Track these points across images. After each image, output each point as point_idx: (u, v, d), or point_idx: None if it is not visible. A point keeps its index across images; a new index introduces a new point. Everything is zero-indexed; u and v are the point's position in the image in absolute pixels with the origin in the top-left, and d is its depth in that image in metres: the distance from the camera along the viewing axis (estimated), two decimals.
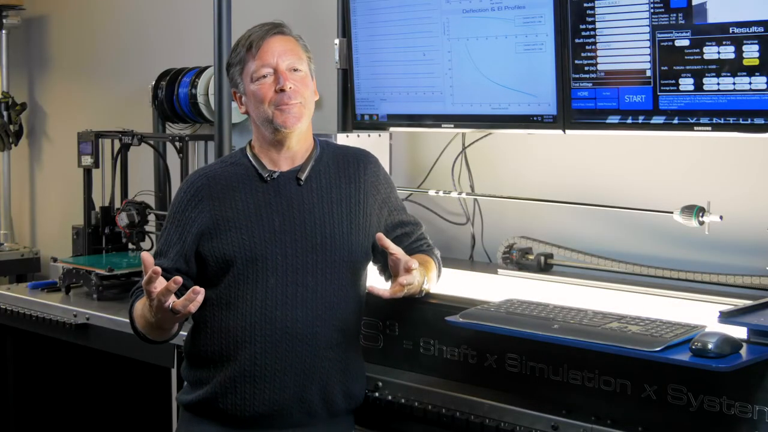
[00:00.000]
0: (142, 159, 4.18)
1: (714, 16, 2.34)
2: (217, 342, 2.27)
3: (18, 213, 5.31)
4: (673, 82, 2.44)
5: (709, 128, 2.41)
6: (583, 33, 2.60)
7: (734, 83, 2.33)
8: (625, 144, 2.85)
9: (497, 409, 2.22)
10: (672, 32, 2.42)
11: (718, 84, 2.36)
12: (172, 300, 2.08)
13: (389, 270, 2.34)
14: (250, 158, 2.36)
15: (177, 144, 3.72)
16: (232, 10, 3.11)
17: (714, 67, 2.36)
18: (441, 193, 3.15)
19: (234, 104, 3.04)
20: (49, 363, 3.78)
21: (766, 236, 2.51)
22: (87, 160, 3.87)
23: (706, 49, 2.36)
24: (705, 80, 2.38)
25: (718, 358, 1.85)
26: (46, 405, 3.82)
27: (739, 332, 1.95)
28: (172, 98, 3.98)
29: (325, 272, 2.28)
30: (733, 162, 2.66)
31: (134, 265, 3.57)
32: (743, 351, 1.90)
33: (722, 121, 2.38)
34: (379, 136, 3.21)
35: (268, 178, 2.32)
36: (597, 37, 2.57)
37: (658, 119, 2.50)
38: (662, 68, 2.45)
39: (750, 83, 2.31)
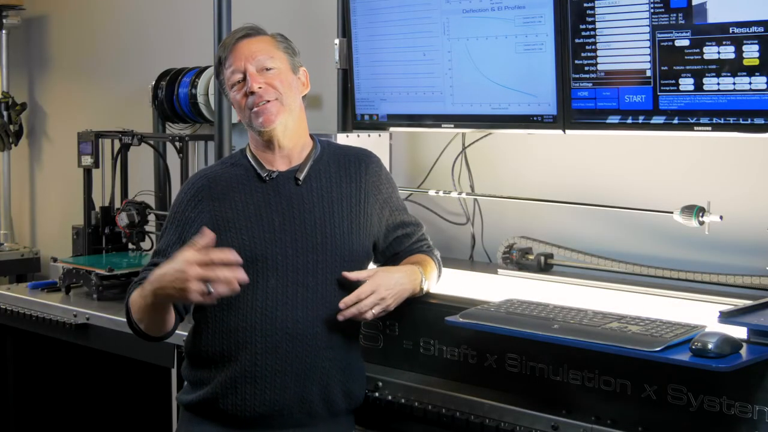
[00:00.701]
0: (142, 159, 4.18)
1: (714, 16, 2.34)
2: (218, 342, 2.27)
3: (18, 213, 5.31)
4: (673, 82, 2.44)
5: (709, 128, 2.41)
6: (583, 33, 2.60)
7: (734, 83, 2.33)
8: (625, 144, 2.85)
9: (497, 409, 2.22)
10: (672, 32, 2.42)
11: (718, 84, 2.36)
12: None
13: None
14: (250, 159, 2.36)
15: (177, 144, 3.72)
16: (232, 10, 3.11)
17: (714, 67, 2.36)
18: (441, 193, 3.15)
19: None
20: (49, 363, 3.78)
21: (766, 236, 2.51)
22: (87, 160, 3.87)
23: (706, 49, 2.36)
24: (705, 80, 2.38)
25: (718, 358, 1.85)
26: (46, 405, 3.82)
27: (739, 332, 1.95)
28: (172, 98, 3.98)
29: (325, 272, 2.28)
30: (733, 162, 2.66)
31: (134, 265, 3.57)
32: (743, 351, 1.90)
33: (722, 121, 2.38)
34: (379, 136, 3.21)
35: (267, 178, 2.32)
36: (597, 37, 2.57)
37: (658, 119, 2.50)
38: (662, 68, 2.45)
39: (750, 83, 2.31)
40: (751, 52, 2.29)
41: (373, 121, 3.18)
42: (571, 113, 2.67)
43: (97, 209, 3.87)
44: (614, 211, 2.79)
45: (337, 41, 3.24)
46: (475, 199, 3.21)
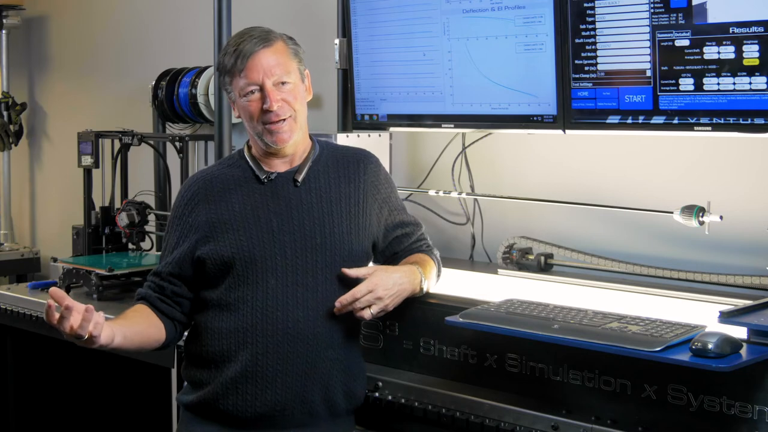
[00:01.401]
0: (142, 159, 4.19)
1: (714, 16, 2.34)
2: (218, 343, 2.27)
3: (18, 213, 5.31)
4: (673, 82, 2.44)
5: (709, 128, 2.41)
6: (583, 33, 2.60)
7: (734, 83, 2.33)
8: (625, 144, 2.85)
9: (497, 409, 2.22)
10: (672, 32, 2.42)
11: (718, 84, 2.36)
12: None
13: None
14: (248, 159, 2.36)
15: (177, 144, 3.72)
16: (232, 10, 3.11)
17: (714, 67, 2.36)
18: (441, 193, 3.15)
19: None
20: (49, 363, 3.78)
21: (766, 236, 2.50)
22: (87, 160, 3.87)
23: (706, 49, 2.36)
24: (705, 80, 2.38)
25: (718, 358, 1.85)
26: (46, 405, 3.82)
27: (739, 332, 1.95)
28: (172, 98, 3.98)
29: (325, 272, 2.28)
30: (733, 162, 2.66)
31: (134, 265, 3.57)
32: (743, 351, 1.90)
33: (722, 121, 2.38)
34: (379, 136, 3.20)
35: (265, 180, 2.32)
36: (597, 37, 2.57)
37: (658, 119, 2.50)
38: (662, 68, 2.45)
39: (750, 83, 2.31)
40: (751, 52, 2.29)
41: (373, 121, 3.18)
42: (571, 113, 2.67)
43: (97, 209, 3.87)
44: (614, 211, 2.79)
45: (337, 41, 3.24)
46: (475, 199, 3.21)
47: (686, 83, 2.42)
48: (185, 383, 2.38)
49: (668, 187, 2.76)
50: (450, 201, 3.29)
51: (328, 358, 2.27)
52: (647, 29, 2.46)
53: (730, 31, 2.32)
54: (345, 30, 3.20)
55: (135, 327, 2.26)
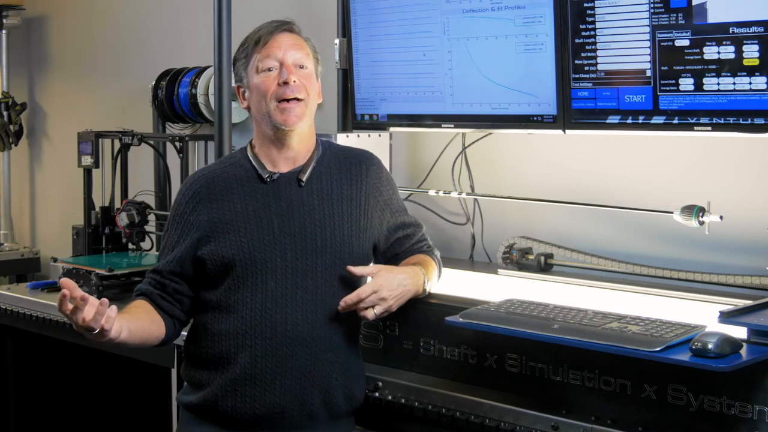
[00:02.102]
0: (142, 159, 4.19)
1: (714, 16, 2.34)
2: (217, 344, 2.27)
3: (18, 213, 5.31)
4: (673, 82, 2.44)
5: (709, 128, 2.41)
6: (583, 33, 2.60)
7: (734, 83, 2.33)
8: (625, 144, 2.85)
9: (497, 409, 2.22)
10: (672, 32, 2.42)
11: (718, 84, 2.36)
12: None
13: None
14: (251, 158, 2.35)
15: (177, 144, 3.72)
16: (232, 10, 3.11)
17: (714, 67, 2.36)
18: (441, 193, 3.15)
19: (234, 104, 3.05)
20: (49, 363, 3.78)
21: (766, 236, 2.50)
22: (87, 160, 3.87)
23: (706, 49, 2.36)
24: (705, 80, 2.38)
25: (718, 358, 1.85)
26: (46, 405, 3.82)
27: (739, 332, 1.95)
28: (172, 98, 3.98)
29: (325, 275, 2.28)
30: (733, 162, 2.66)
31: (134, 265, 3.57)
32: (743, 351, 1.90)
33: (722, 121, 2.38)
34: (379, 136, 3.20)
35: (268, 180, 2.32)
36: (597, 37, 2.57)
37: (658, 119, 2.50)
38: (662, 68, 2.45)
39: (750, 83, 2.31)
40: (751, 52, 2.29)
41: (373, 121, 3.18)
42: (571, 113, 2.67)
43: (97, 209, 3.87)
44: (614, 211, 2.79)
45: (337, 41, 3.24)
46: (475, 199, 3.21)
47: (686, 83, 2.42)
48: (185, 383, 2.38)
49: (668, 187, 2.76)
50: (450, 201, 3.29)
51: (328, 360, 2.27)
52: (647, 29, 2.46)
53: (730, 31, 2.31)
54: (345, 30, 3.20)
55: (139, 323, 2.25)
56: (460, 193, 3.12)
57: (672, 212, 2.52)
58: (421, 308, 2.39)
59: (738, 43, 2.31)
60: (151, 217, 3.76)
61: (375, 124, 3.18)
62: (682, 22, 2.39)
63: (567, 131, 2.71)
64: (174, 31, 4.40)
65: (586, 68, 2.61)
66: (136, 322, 2.24)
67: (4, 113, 5.06)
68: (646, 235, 2.81)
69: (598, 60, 2.58)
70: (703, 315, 2.15)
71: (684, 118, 2.45)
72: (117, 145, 3.90)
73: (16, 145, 5.12)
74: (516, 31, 2.75)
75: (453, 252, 3.25)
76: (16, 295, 3.55)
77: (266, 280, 2.24)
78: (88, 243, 3.84)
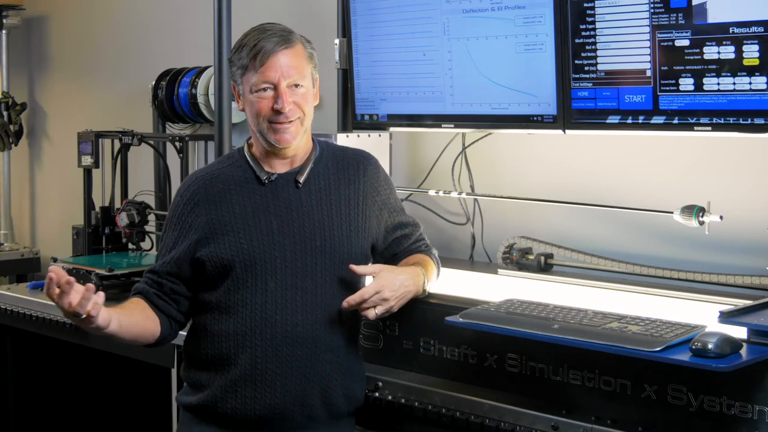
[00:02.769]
0: (142, 159, 4.18)
1: (714, 16, 2.34)
2: (217, 345, 2.27)
3: (18, 213, 5.31)
4: (673, 82, 2.44)
5: (709, 128, 2.41)
6: (583, 33, 2.60)
7: (734, 83, 2.33)
8: (625, 144, 2.85)
9: (497, 409, 2.22)
10: (672, 32, 2.42)
11: (718, 84, 2.36)
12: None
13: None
14: (248, 159, 2.35)
15: (177, 144, 3.72)
16: (232, 10, 3.11)
17: (714, 67, 2.36)
18: (441, 193, 3.15)
19: (234, 104, 3.05)
20: (49, 363, 3.78)
21: (766, 236, 2.50)
22: (87, 160, 3.87)
23: (706, 49, 2.36)
24: (705, 80, 2.38)
25: (718, 358, 1.85)
26: (46, 405, 3.82)
27: (739, 332, 1.95)
28: (172, 98, 3.98)
29: (324, 275, 2.28)
30: (733, 162, 2.66)
31: (134, 265, 3.57)
32: (743, 351, 1.90)
33: (722, 121, 2.38)
34: (379, 136, 3.20)
35: (266, 181, 2.32)
36: (597, 37, 2.57)
37: (658, 119, 2.50)
38: (662, 68, 2.45)
39: (750, 83, 2.31)
40: (751, 52, 2.29)
41: (373, 121, 3.18)
42: (571, 113, 2.67)
43: (97, 209, 3.87)
44: (614, 211, 2.79)
45: (337, 41, 3.24)
46: (475, 199, 3.21)
47: (686, 83, 2.42)
48: (185, 384, 2.38)
49: (668, 187, 2.76)
50: (450, 201, 3.29)
51: (327, 361, 2.27)
52: (647, 29, 2.46)
53: (730, 31, 2.31)
54: (345, 30, 3.20)
55: (131, 318, 2.25)
56: (460, 193, 3.12)
57: (672, 212, 2.52)
58: (421, 308, 2.39)
59: (738, 43, 2.31)
60: (151, 217, 3.76)
61: (375, 124, 3.18)
62: (682, 22, 2.39)
63: (567, 131, 2.71)
64: (174, 31, 4.40)
65: (586, 68, 2.61)
66: (128, 317, 2.23)
67: (4, 113, 5.06)
68: (646, 235, 2.81)
69: (598, 60, 2.58)
70: (703, 315, 2.15)
71: (684, 118, 2.45)
72: (117, 145, 3.90)
73: (16, 145, 5.12)
74: (516, 31, 2.75)
75: (453, 252, 3.25)
76: (16, 295, 3.55)
77: (266, 281, 2.24)
78: (88, 243, 3.84)
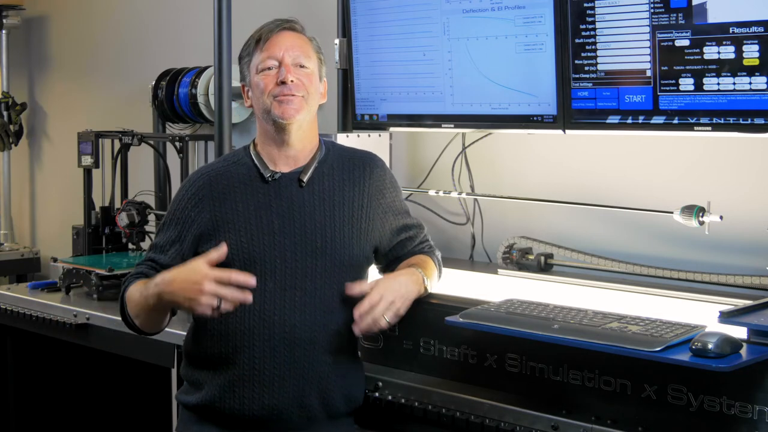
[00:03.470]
0: (142, 159, 4.18)
1: (714, 16, 2.34)
2: (216, 345, 2.27)
3: (18, 213, 5.31)
4: (673, 82, 2.44)
5: (709, 128, 2.41)
6: (583, 33, 2.60)
7: (734, 83, 2.33)
8: (625, 144, 2.85)
9: (497, 409, 2.21)
10: (672, 32, 2.42)
11: (718, 84, 2.36)
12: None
13: (392, 270, 2.37)
14: (253, 157, 2.35)
15: (177, 144, 3.72)
16: (232, 10, 3.11)
17: (714, 67, 2.36)
18: (441, 193, 3.15)
19: (234, 104, 3.06)
20: (49, 363, 3.78)
21: (766, 236, 2.50)
22: (87, 160, 3.87)
23: (706, 49, 2.36)
24: (705, 80, 2.38)
25: (718, 358, 1.85)
26: (46, 405, 3.82)
27: (739, 332, 1.95)
28: (172, 98, 3.98)
29: (324, 277, 2.27)
30: (733, 162, 2.66)
31: (134, 265, 3.57)
32: (743, 351, 1.90)
33: (722, 121, 2.38)
34: (379, 136, 3.20)
35: (270, 179, 2.32)
36: (597, 37, 2.57)
37: (658, 119, 2.50)
38: (662, 68, 2.45)
39: (750, 83, 2.31)
40: (751, 52, 2.29)
41: (373, 121, 3.18)
42: (571, 113, 2.67)
43: (97, 209, 3.87)
44: (614, 211, 2.79)
45: (337, 41, 3.24)
46: (475, 199, 3.21)
47: (686, 83, 2.42)
48: (185, 382, 2.38)
49: (668, 187, 2.76)
50: (450, 201, 3.29)
51: (326, 362, 2.27)
52: (647, 29, 2.46)
53: (730, 31, 2.31)
54: (345, 30, 3.20)
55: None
56: (460, 193, 3.12)
57: (672, 212, 2.52)
58: (421, 308, 2.39)
59: (738, 43, 2.31)
60: (151, 217, 3.76)
61: (375, 124, 3.18)
62: (682, 22, 2.39)
63: (567, 131, 2.71)
64: (174, 31, 4.40)
65: (586, 68, 2.61)
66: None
67: (4, 113, 5.06)
68: (646, 235, 2.81)
69: (598, 60, 2.58)
70: (703, 315, 2.15)
71: (684, 118, 2.45)
72: (117, 145, 3.90)
73: (16, 145, 5.12)
74: (516, 31, 2.75)
75: (453, 252, 3.25)
76: (16, 295, 3.55)
77: (265, 281, 2.24)
78: (88, 243, 3.84)
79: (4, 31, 5.18)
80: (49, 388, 3.82)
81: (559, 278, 2.75)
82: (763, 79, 2.29)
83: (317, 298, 2.26)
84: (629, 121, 2.55)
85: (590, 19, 2.58)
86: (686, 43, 2.40)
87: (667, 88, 2.46)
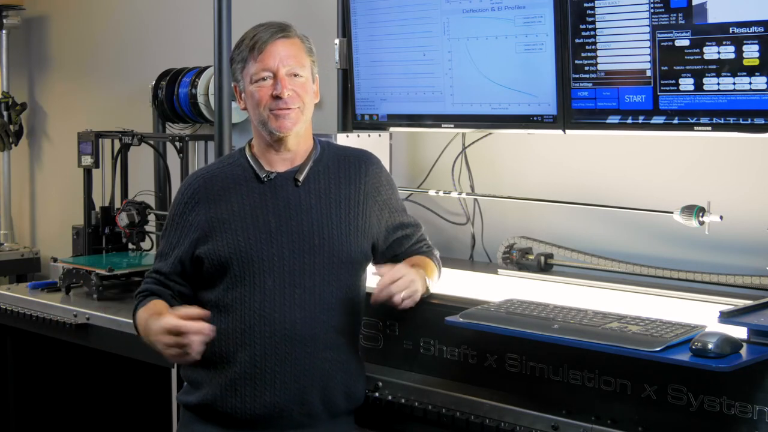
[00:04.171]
0: (142, 159, 4.18)
1: (714, 16, 2.34)
2: (216, 344, 2.26)
3: (18, 213, 5.31)
4: (673, 82, 2.44)
5: (709, 128, 2.41)
6: (583, 33, 2.60)
7: (734, 83, 2.34)
8: (625, 144, 2.85)
9: (497, 409, 2.22)
10: (672, 32, 2.42)
11: (718, 84, 2.36)
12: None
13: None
14: (249, 158, 2.36)
15: (177, 144, 3.72)
16: (232, 10, 3.11)
17: (714, 67, 2.36)
18: (441, 193, 3.15)
19: (234, 104, 3.05)
20: (49, 363, 3.78)
21: (766, 236, 2.50)
22: (87, 160, 3.87)
23: (706, 49, 2.36)
24: (705, 80, 2.38)
25: (718, 358, 1.85)
26: (46, 405, 3.82)
27: (739, 332, 1.95)
28: (172, 98, 3.98)
29: (323, 274, 2.28)
30: (733, 162, 2.66)
31: (134, 265, 3.57)
32: (743, 351, 1.90)
33: (722, 121, 2.38)
34: (379, 136, 3.20)
35: (265, 179, 2.32)
36: (597, 37, 2.57)
37: (658, 119, 2.50)
38: (662, 68, 2.45)
39: (750, 83, 2.31)
40: (751, 52, 2.29)
41: (373, 121, 3.18)
42: (571, 113, 2.67)
43: (97, 209, 3.87)
44: (614, 211, 2.79)
45: (337, 41, 3.24)
46: (475, 199, 3.21)
47: (686, 83, 2.42)
48: (185, 383, 2.38)
49: (668, 187, 2.76)
50: (450, 201, 3.29)
51: (327, 359, 2.27)
52: (647, 29, 2.46)
53: (730, 31, 2.32)
54: (345, 30, 3.20)
55: None
56: (460, 193, 3.12)
57: (672, 212, 2.52)
58: (421, 308, 2.39)
59: (738, 43, 2.31)
60: (151, 217, 3.76)
61: (375, 124, 3.18)
62: (682, 22, 2.39)
63: (567, 131, 2.71)
64: (174, 31, 4.40)
65: (586, 68, 2.61)
66: None
67: (4, 113, 5.06)
68: (646, 235, 2.81)
69: (598, 60, 2.58)
70: (703, 315, 2.15)
71: (684, 118, 2.45)
72: (117, 145, 3.89)
73: (16, 145, 5.12)
74: (516, 31, 2.75)
75: (453, 252, 3.25)
76: (16, 295, 3.55)
77: (264, 279, 2.24)
78: (88, 243, 3.84)
79: (4, 31, 5.18)
80: (49, 388, 3.82)
81: (559, 278, 2.75)
82: (763, 79, 2.29)
83: (316, 295, 2.26)
84: (629, 121, 2.56)
85: (590, 19, 2.58)
86: (686, 43, 2.40)
87: (667, 88, 2.46)
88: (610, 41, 2.55)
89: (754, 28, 2.28)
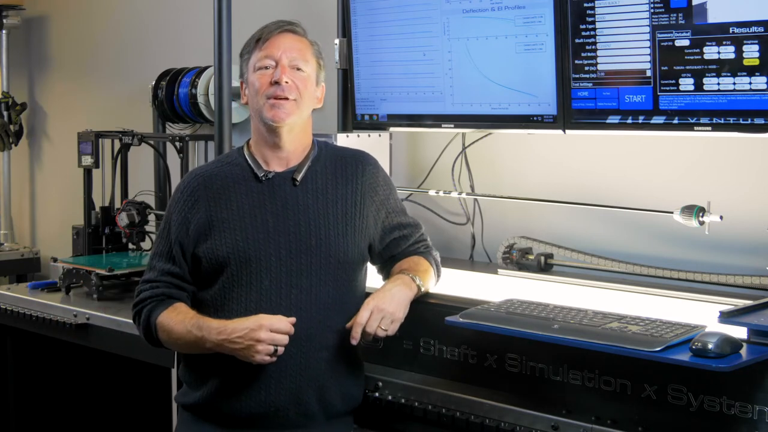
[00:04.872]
0: (142, 159, 4.18)
1: (714, 16, 2.34)
2: None
3: (18, 213, 5.31)
4: (673, 82, 2.44)
5: (709, 128, 2.41)
6: (583, 33, 2.60)
7: (734, 83, 2.33)
8: (625, 144, 2.85)
9: (497, 409, 2.22)
10: (672, 32, 2.42)
11: (718, 84, 2.36)
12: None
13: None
14: (247, 157, 2.36)
15: (177, 144, 3.72)
16: (232, 10, 3.11)
17: (714, 67, 2.36)
18: (441, 193, 3.15)
19: (234, 104, 3.06)
20: (49, 363, 3.78)
21: (766, 236, 2.50)
22: (87, 160, 3.87)
23: (706, 49, 2.36)
24: (705, 80, 2.38)
25: (718, 358, 1.85)
26: (46, 405, 3.82)
27: (739, 332, 1.95)
28: (172, 98, 3.98)
29: (320, 274, 2.28)
30: (733, 162, 2.66)
31: (134, 265, 3.57)
32: (743, 351, 1.90)
33: (722, 121, 2.38)
34: (379, 136, 3.20)
35: (263, 178, 2.32)
36: (597, 37, 2.57)
37: (658, 119, 2.50)
38: (662, 68, 2.45)
39: (750, 83, 2.31)
40: (751, 52, 2.29)
41: (373, 121, 3.18)
42: (571, 113, 2.67)
43: (97, 209, 3.87)
44: (614, 211, 2.79)
45: (337, 41, 3.24)
46: (475, 199, 3.21)
47: (686, 83, 2.42)
48: (183, 383, 2.38)
49: (668, 187, 2.76)
50: (450, 201, 3.29)
51: (322, 359, 2.27)
52: (647, 29, 2.46)
53: (730, 31, 2.32)
54: (345, 30, 3.20)
55: None
56: (460, 193, 3.12)
57: (672, 212, 2.52)
58: (421, 308, 2.39)
59: (738, 43, 2.31)
60: (151, 217, 3.76)
61: (375, 124, 3.18)
62: (682, 22, 2.39)
63: (567, 131, 2.71)
64: (174, 31, 4.40)
65: (586, 68, 2.61)
66: None
67: (4, 113, 5.06)
68: (646, 235, 2.81)
69: (598, 60, 2.58)
70: (703, 315, 2.15)
71: (684, 118, 2.45)
72: (117, 145, 3.89)
73: (16, 145, 5.12)
74: (516, 31, 2.75)
75: (453, 252, 3.25)
76: (16, 295, 3.55)
77: (260, 279, 2.25)
78: (88, 243, 3.83)
79: (4, 31, 5.18)
80: (49, 388, 3.82)
81: (559, 278, 2.75)
82: (763, 79, 2.29)
83: (313, 296, 2.26)
84: (629, 121, 2.55)
85: (590, 19, 2.58)
86: (686, 43, 2.40)
87: (667, 88, 2.46)
88: (610, 41, 2.55)
89: (754, 28, 2.28)
